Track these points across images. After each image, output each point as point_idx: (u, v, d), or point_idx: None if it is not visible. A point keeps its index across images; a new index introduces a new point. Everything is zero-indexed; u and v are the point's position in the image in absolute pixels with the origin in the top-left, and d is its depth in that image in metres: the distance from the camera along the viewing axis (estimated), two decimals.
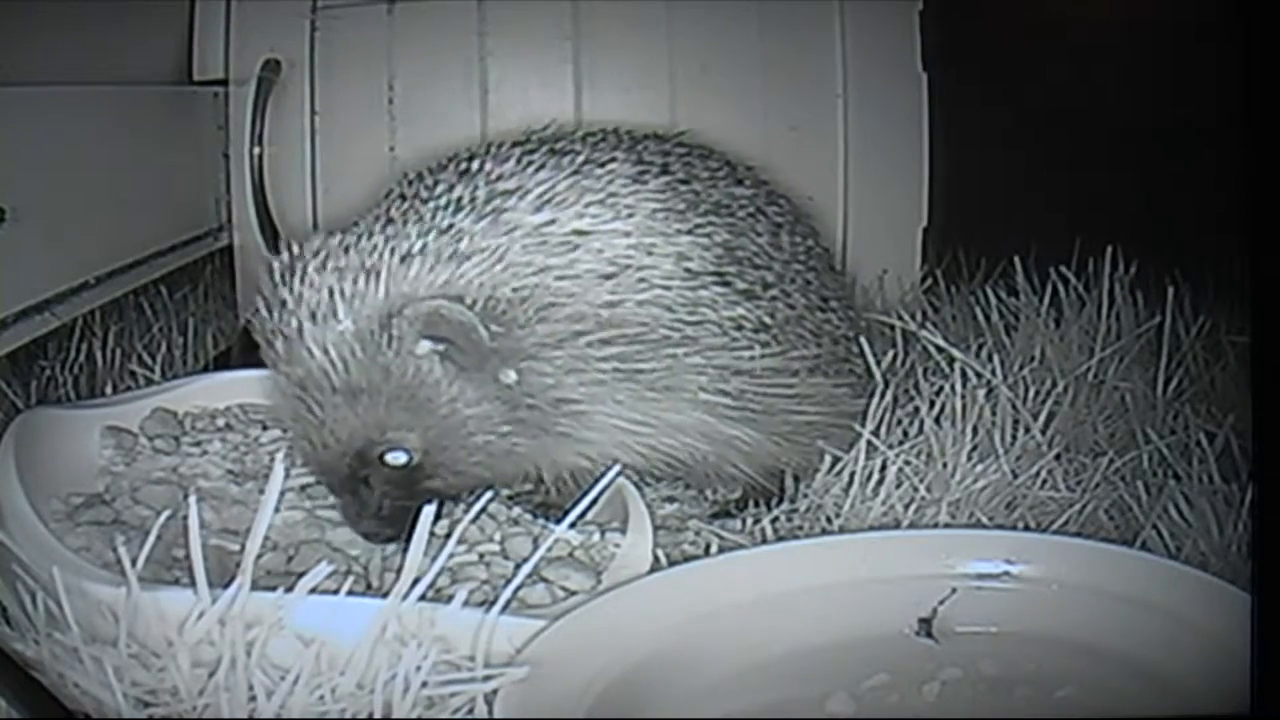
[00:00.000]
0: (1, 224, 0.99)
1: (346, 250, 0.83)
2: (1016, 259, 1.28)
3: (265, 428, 1.02)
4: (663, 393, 0.88)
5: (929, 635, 0.77)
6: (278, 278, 0.83)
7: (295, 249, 0.85)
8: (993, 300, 1.26)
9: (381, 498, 0.83)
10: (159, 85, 1.42)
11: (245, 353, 1.26)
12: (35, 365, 1.20)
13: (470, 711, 0.67)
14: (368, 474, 0.83)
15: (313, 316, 0.81)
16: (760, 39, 1.47)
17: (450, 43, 1.48)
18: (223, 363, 1.34)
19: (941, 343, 1.09)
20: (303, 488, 0.92)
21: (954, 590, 0.78)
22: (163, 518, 0.76)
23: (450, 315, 0.79)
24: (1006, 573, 0.78)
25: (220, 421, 1.02)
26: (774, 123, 1.45)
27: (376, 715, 0.66)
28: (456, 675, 0.67)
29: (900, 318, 1.16)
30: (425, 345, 0.81)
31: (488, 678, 0.66)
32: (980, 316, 1.27)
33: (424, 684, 0.66)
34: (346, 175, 1.48)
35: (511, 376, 0.83)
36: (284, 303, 0.82)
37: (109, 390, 1.18)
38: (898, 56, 1.46)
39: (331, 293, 0.81)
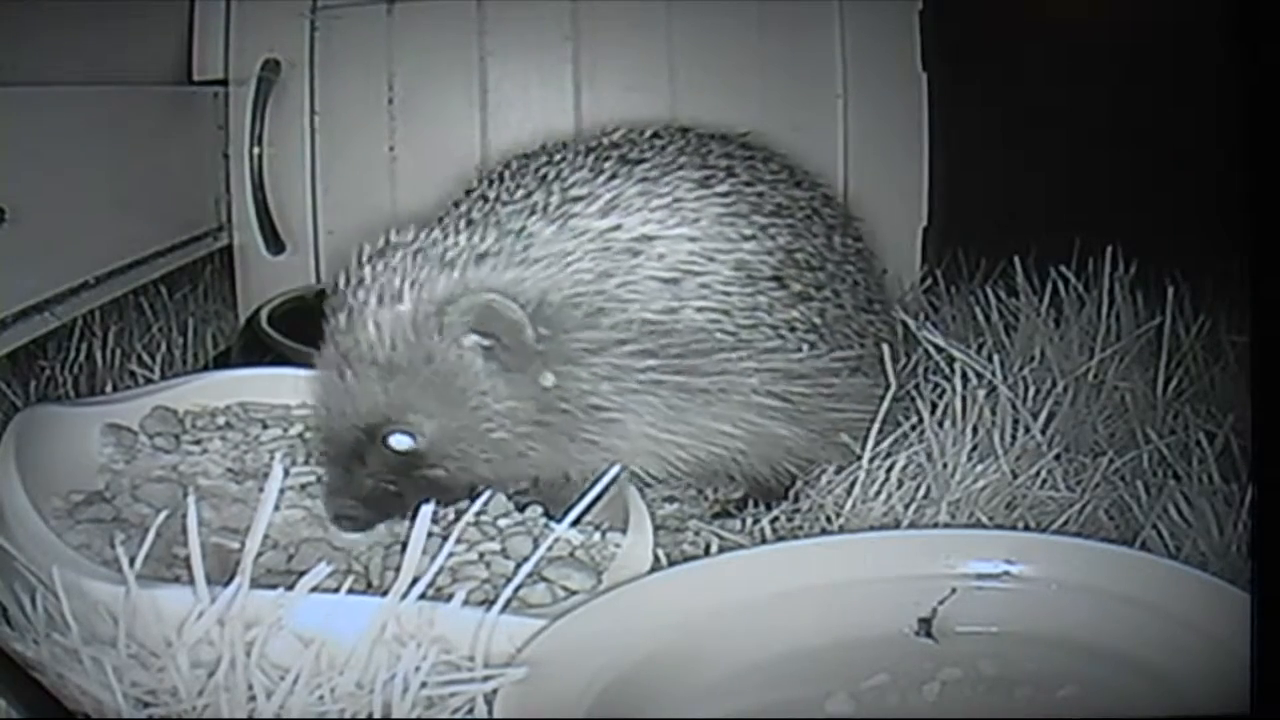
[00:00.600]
0: (1, 224, 0.99)
1: (430, 245, 0.86)
2: (1016, 259, 1.28)
3: (265, 426, 1.02)
4: (714, 397, 0.89)
5: (929, 635, 0.77)
6: (364, 258, 0.87)
7: (389, 236, 0.88)
8: (993, 300, 1.26)
9: (368, 477, 0.85)
10: (159, 85, 1.42)
11: (245, 352, 1.26)
12: (35, 365, 1.20)
13: (470, 711, 0.67)
14: (366, 452, 0.85)
15: (380, 297, 0.84)
16: (760, 39, 1.47)
17: (450, 42, 1.48)
18: (223, 362, 1.34)
19: (941, 342, 1.09)
20: (303, 486, 0.92)
21: (954, 590, 0.78)
22: (162, 516, 0.76)
23: (502, 311, 0.82)
24: (1006, 573, 0.78)
25: (220, 420, 1.02)
26: (774, 123, 1.45)
27: (376, 715, 0.66)
28: (456, 675, 0.67)
29: (900, 318, 1.16)
30: (472, 338, 0.83)
31: (487, 678, 0.66)
32: (980, 316, 1.27)
33: (423, 684, 0.66)
34: (346, 175, 1.49)
35: (550, 380, 0.84)
36: (361, 280, 0.85)
37: (109, 390, 1.17)
38: (898, 56, 1.47)
39: (404, 279, 0.84)
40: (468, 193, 0.93)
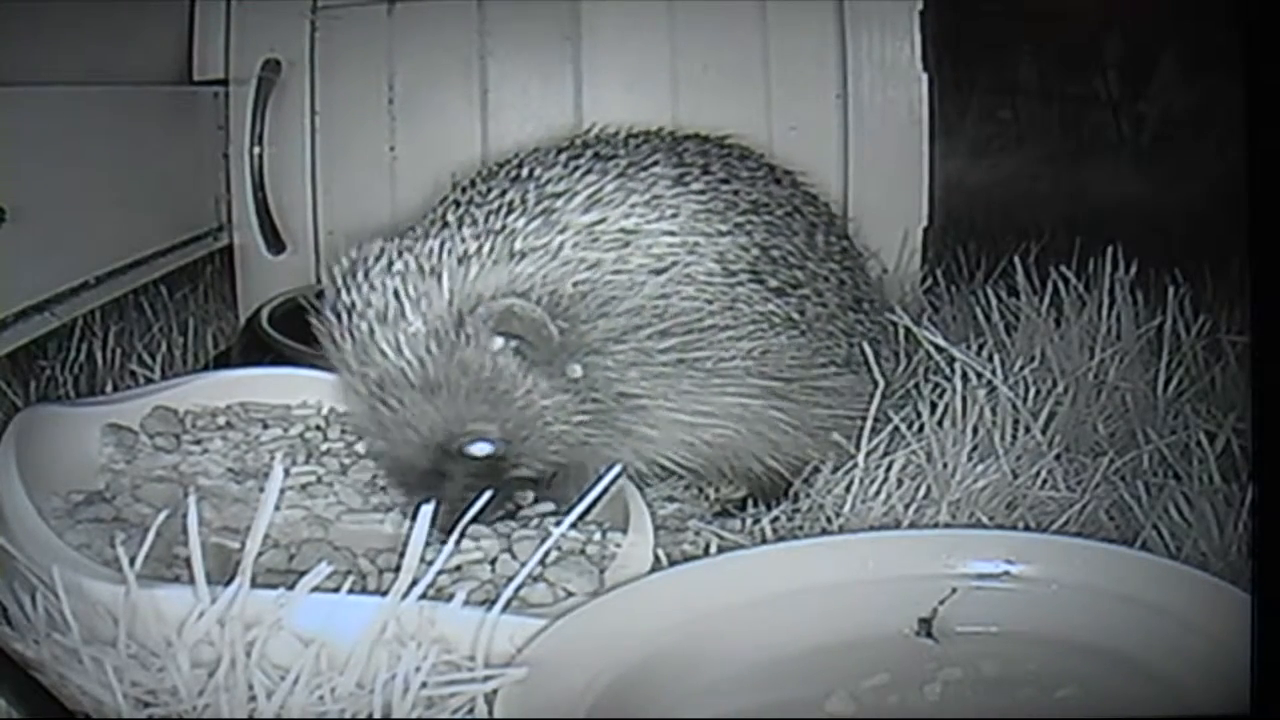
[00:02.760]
0: (1, 224, 0.99)
1: (403, 254, 0.85)
2: (1016, 259, 1.28)
3: (265, 426, 1.02)
4: (720, 377, 0.90)
5: (929, 635, 0.77)
6: (340, 282, 0.86)
7: (354, 253, 0.87)
8: (993, 300, 1.26)
9: (465, 490, 0.84)
10: (159, 85, 1.42)
11: (245, 353, 1.26)
12: (35, 365, 1.20)
13: (470, 711, 0.67)
14: (448, 468, 0.85)
15: (382, 318, 0.83)
16: (761, 39, 1.47)
17: (450, 43, 1.48)
18: (223, 362, 1.34)
19: (942, 342, 1.09)
20: (303, 486, 0.93)
21: (954, 590, 0.78)
22: (162, 516, 0.76)
23: (523, 313, 0.82)
24: (1006, 573, 0.78)
25: (221, 420, 1.02)
26: (774, 123, 1.45)
27: (376, 715, 0.66)
28: (456, 675, 0.67)
29: (901, 317, 1.16)
30: (498, 341, 0.83)
31: (488, 678, 0.66)
32: (980, 316, 1.27)
33: (424, 684, 0.66)
34: (346, 175, 1.49)
35: (577, 371, 0.85)
36: (352, 306, 0.84)
37: (109, 390, 1.17)
38: (898, 56, 1.47)
39: (396, 295, 0.83)
40: (440, 201, 0.93)
